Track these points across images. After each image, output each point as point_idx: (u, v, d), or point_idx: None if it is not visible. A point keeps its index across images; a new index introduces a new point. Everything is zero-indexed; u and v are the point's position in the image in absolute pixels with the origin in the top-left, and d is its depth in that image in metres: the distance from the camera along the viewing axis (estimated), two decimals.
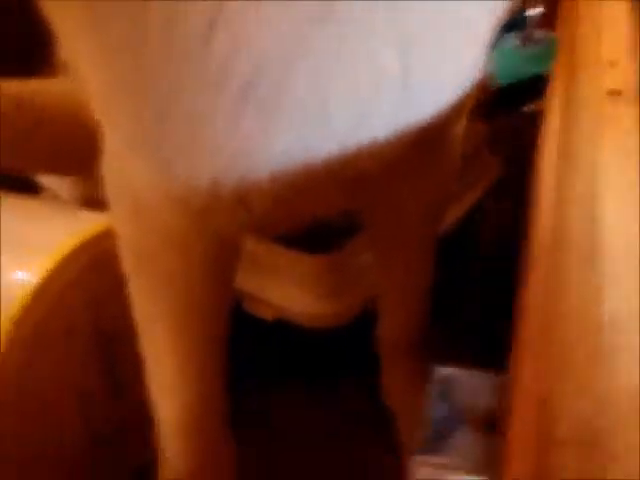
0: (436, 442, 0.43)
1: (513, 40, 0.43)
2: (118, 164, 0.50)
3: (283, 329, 0.76)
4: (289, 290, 0.75)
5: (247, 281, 0.74)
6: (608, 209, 0.40)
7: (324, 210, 0.54)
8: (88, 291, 0.65)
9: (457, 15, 0.39)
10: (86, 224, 0.66)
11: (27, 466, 0.62)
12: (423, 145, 0.45)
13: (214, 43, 0.36)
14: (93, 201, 0.77)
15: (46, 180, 0.85)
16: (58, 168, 0.79)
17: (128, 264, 0.55)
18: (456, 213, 0.85)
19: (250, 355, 0.75)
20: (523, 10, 0.42)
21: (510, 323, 0.38)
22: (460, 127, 0.61)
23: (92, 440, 0.68)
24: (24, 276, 0.62)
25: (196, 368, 0.59)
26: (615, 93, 0.47)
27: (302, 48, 0.37)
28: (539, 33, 0.43)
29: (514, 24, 0.42)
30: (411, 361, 0.72)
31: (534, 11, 0.42)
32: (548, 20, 0.45)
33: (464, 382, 0.45)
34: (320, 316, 0.75)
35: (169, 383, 0.59)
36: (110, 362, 0.68)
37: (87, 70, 0.45)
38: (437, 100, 0.43)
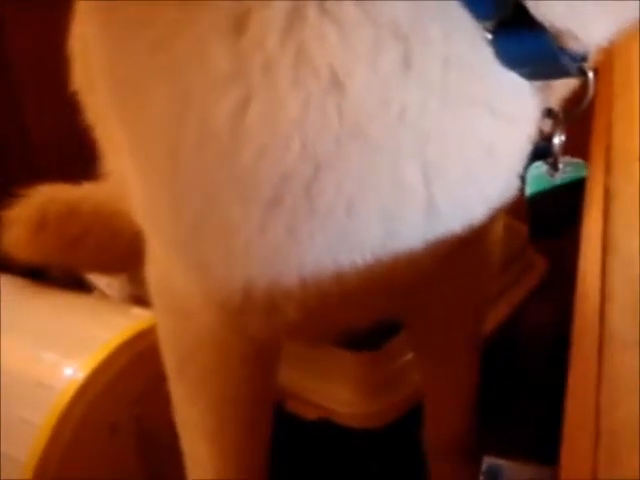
0: None
1: (541, 167, 0.45)
2: (160, 266, 0.52)
3: (326, 429, 0.75)
4: (331, 388, 0.74)
5: (288, 380, 0.73)
6: None
7: (359, 320, 0.55)
8: (131, 387, 0.65)
9: (480, 145, 0.40)
10: (131, 321, 0.68)
11: None
12: (456, 254, 0.46)
13: (240, 155, 0.38)
14: (140, 299, 0.79)
15: (94, 279, 0.88)
16: (106, 266, 0.82)
17: (168, 363, 0.56)
18: (501, 312, 0.84)
19: (292, 455, 0.74)
20: (548, 138, 0.44)
21: (558, 417, 0.38)
22: (497, 229, 0.61)
23: None
24: (70, 371, 0.63)
25: (237, 468, 0.58)
26: None
27: (328, 159, 0.38)
28: (564, 159, 0.45)
29: (540, 152, 0.44)
30: (459, 464, 0.70)
31: (558, 139, 0.44)
32: (571, 147, 0.46)
33: (512, 474, 0.44)
34: (363, 415, 0.73)
35: None
36: (151, 458, 0.68)
37: (131, 180, 0.48)
38: (464, 220, 0.43)
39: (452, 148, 0.40)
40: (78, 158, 0.75)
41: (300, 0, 0.35)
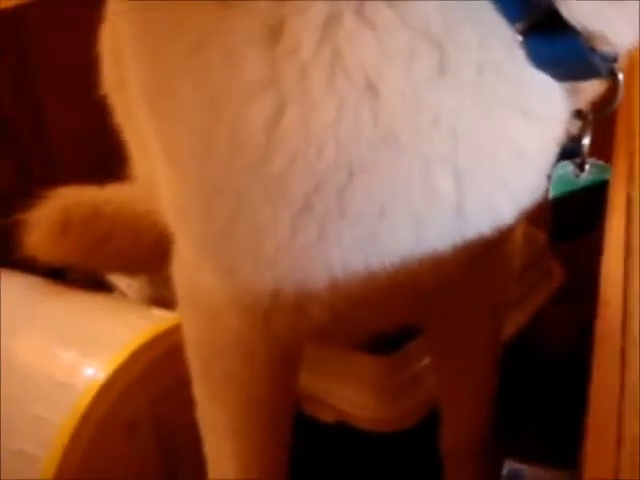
0: None
1: (566, 167, 0.45)
2: (188, 269, 0.52)
3: (343, 432, 0.75)
4: (348, 392, 0.74)
5: (307, 382, 0.73)
6: None
7: (383, 323, 0.55)
8: (152, 387, 0.66)
9: (511, 147, 0.41)
10: (152, 322, 0.68)
11: None
12: (482, 257, 0.46)
13: (273, 160, 0.38)
14: (159, 300, 0.79)
15: (115, 280, 0.88)
16: (127, 269, 0.82)
17: (193, 363, 0.56)
18: (519, 319, 0.84)
19: (309, 458, 0.74)
20: (577, 139, 0.44)
21: (578, 422, 0.38)
22: (517, 235, 0.61)
23: None
24: (91, 371, 0.63)
25: (259, 469, 0.58)
26: None
27: (361, 164, 0.38)
28: (589, 161, 0.45)
29: (568, 152, 0.44)
30: (476, 468, 0.70)
31: (587, 140, 0.44)
32: (597, 149, 0.46)
33: (533, 478, 0.44)
34: (380, 419, 0.73)
35: None
36: (170, 458, 0.68)
37: (161, 181, 0.48)
38: (493, 223, 0.44)
39: (484, 151, 0.40)
40: (101, 160, 0.76)
41: (337, 1, 0.35)
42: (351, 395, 0.73)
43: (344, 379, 0.74)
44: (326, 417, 0.75)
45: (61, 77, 0.92)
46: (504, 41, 0.37)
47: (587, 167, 0.45)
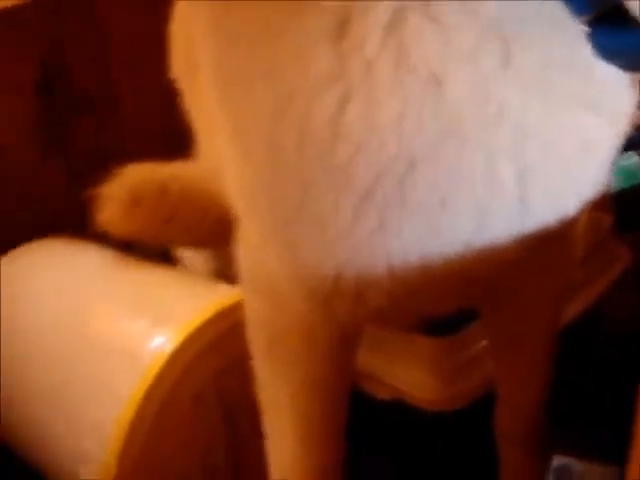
0: None
1: (632, 158, 0.45)
2: (253, 251, 0.53)
3: (400, 410, 0.76)
4: (406, 371, 0.75)
5: (365, 360, 0.74)
6: None
7: (441, 307, 0.56)
8: (216, 361, 0.67)
9: (577, 141, 0.41)
10: (218, 296, 0.70)
11: None
12: (542, 246, 0.46)
13: (337, 151, 0.39)
14: (224, 274, 0.81)
15: (181, 253, 0.91)
16: (192, 243, 0.85)
17: (256, 344, 0.58)
18: (581, 304, 0.83)
19: (366, 433, 0.76)
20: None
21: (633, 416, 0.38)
22: (581, 220, 0.61)
23: None
24: (159, 342, 0.66)
25: (315, 444, 0.60)
26: None
27: (423, 156, 0.39)
28: None
29: (633, 143, 0.44)
30: (529, 454, 0.70)
31: None
32: None
33: (582, 474, 0.44)
34: (436, 399, 0.74)
35: (289, 459, 0.60)
36: (234, 431, 0.70)
37: (228, 167, 0.49)
38: (556, 214, 0.44)
39: (550, 144, 0.40)
40: (171, 135, 0.78)
41: (402, 1, 0.36)
42: (408, 375, 0.75)
43: (402, 359, 0.75)
44: (383, 395, 0.76)
45: (136, 59, 0.94)
46: (569, 34, 0.37)
47: None
